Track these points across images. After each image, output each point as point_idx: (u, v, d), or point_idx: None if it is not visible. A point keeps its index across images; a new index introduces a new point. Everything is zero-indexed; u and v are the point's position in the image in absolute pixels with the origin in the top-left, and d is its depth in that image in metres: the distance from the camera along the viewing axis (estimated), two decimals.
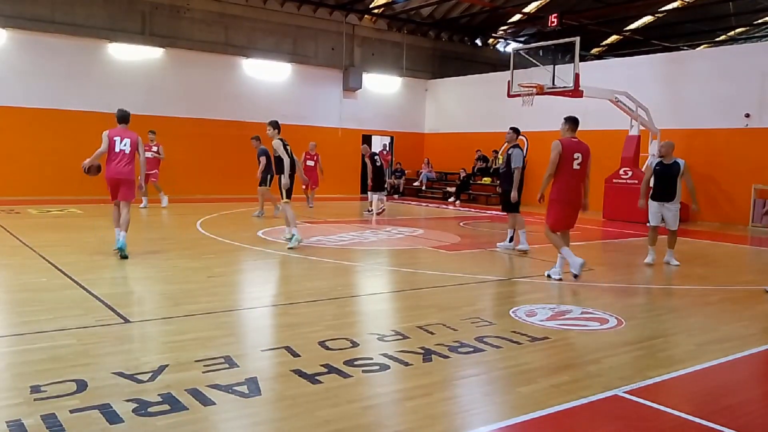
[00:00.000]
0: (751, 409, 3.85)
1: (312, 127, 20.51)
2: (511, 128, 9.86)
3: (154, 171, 14.40)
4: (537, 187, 7.65)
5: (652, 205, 8.88)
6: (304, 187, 17.37)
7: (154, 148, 14.51)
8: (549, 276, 7.53)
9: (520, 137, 10.02)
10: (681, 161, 8.67)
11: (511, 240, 9.90)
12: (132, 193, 8.34)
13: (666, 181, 8.70)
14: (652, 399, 3.81)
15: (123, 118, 8.26)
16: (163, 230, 10.04)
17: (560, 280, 7.37)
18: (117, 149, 8.04)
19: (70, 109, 16.95)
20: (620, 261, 9.64)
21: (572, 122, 7.49)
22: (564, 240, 7.49)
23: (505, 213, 10.04)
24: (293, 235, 9.33)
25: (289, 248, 9.16)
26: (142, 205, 14.23)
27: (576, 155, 7.29)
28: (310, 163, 17.40)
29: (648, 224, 9.09)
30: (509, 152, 9.75)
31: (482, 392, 3.97)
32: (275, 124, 9.60)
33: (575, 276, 7.32)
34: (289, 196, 9.41)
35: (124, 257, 7.90)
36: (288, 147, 9.49)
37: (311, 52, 21.21)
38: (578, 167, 7.33)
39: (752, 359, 4.80)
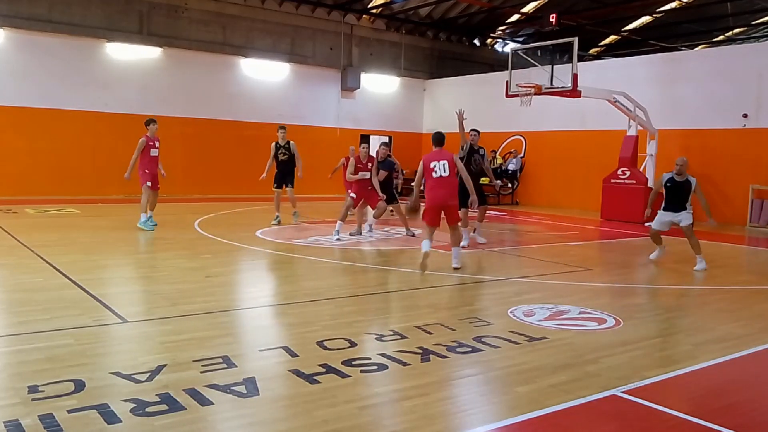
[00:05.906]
0: (749, 408, 3.86)
1: (310, 127, 20.50)
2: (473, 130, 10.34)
3: None
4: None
5: (662, 215, 8.81)
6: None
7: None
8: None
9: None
10: (693, 179, 8.65)
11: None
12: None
13: (678, 197, 8.69)
14: (650, 399, 3.82)
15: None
16: (161, 230, 10.03)
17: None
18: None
19: (68, 109, 16.89)
20: (618, 261, 9.64)
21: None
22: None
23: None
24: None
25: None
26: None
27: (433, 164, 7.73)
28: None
29: (650, 226, 8.98)
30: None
31: (480, 392, 3.97)
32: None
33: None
34: None
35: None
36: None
37: (309, 52, 21.19)
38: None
39: (750, 359, 4.81)
